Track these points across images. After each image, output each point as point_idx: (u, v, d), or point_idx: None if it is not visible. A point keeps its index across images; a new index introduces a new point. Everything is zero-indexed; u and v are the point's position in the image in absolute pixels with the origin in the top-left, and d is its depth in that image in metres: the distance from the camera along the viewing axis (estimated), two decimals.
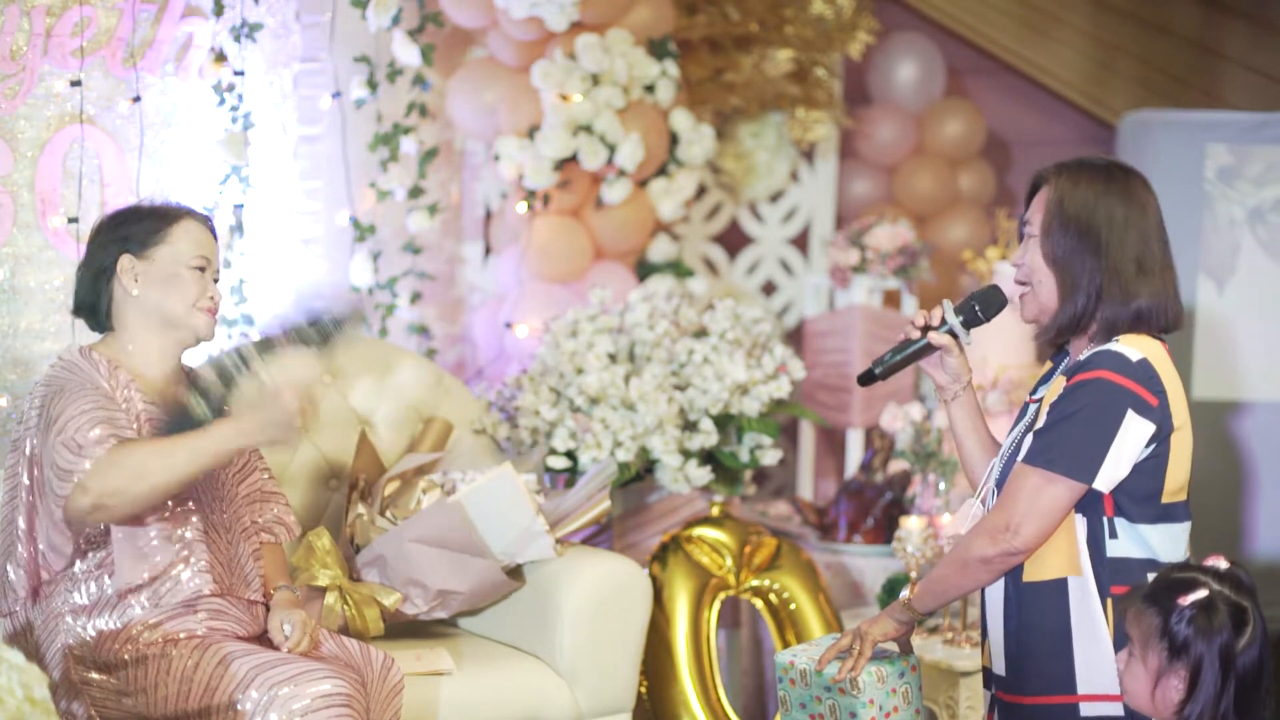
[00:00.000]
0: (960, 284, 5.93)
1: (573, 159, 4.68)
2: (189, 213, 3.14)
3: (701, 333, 4.36)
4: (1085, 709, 2.64)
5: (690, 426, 4.24)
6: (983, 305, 2.84)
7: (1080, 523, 2.63)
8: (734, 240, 5.93)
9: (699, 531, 4.17)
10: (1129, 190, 2.66)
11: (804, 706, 2.85)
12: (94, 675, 3.00)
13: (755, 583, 4.19)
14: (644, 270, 5.12)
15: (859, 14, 5.66)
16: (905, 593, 2.81)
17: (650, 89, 4.79)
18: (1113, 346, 2.62)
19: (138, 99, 3.86)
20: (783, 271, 5.95)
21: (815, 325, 5.58)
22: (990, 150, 6.14)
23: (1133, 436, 2.58)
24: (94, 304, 3.11)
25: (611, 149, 4.67)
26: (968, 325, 2.84)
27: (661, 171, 4.90)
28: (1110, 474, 2.58)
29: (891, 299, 5.51)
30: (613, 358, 4.27)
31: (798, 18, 5.56)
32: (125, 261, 3.06)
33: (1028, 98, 6.25)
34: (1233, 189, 5.32)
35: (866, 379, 2.87)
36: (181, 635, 2.99)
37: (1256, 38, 6.16)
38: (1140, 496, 2.61)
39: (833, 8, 5.63)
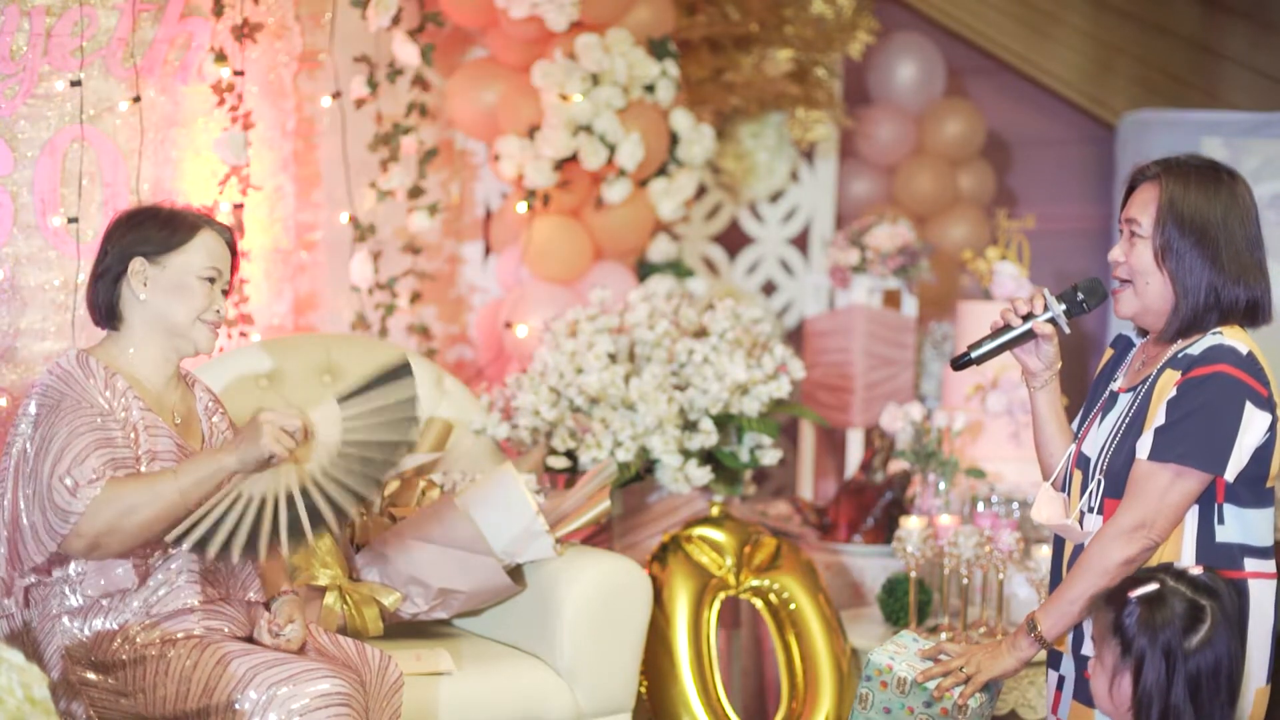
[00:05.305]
0: (960, 284, 5.93)
1: (573, 159, 4.68)
2: (209, 224, 3.13)
3: (701, 333, 4.36)
4: None
5: (690, 426, 4.24)
6: (1087, 295, 2.84)
7: (1192, 511, 2.69)
8: (734, 240, 5.93)
9: (699, 531, 4.17)
10: (1235, 193, 2.72)
11: (888, 711, 2.80)
12: (91, 676, 3.00)
13: (755, 583, 4.18)
14: (644, 270, 5.12)
15: (859, 14, 5.66)
16: (1028, 626, 2.74)
17: (650, 89, 4.79)
18: (1224, 341, 2.68)
19: (138, 99, 3.86)
20: (783, 271, 5.95)
21: (815, 325, 5.58)
22: (990, 150, 6.14)
23: (1254, 427, 2.65)
24: (99, 300, 3.11)
25: (611, 149, 4.67)
26: (1070, 315, 2.84)
27: (661, 171, 4.90)
28: (1236, 464, 2.65)
29: (891, 299, 5.51)
30: (613, 358, 4.26)
31: (798, 18, 5.56)
32: (137, 264, 3.05)
33: (1028, 98, 6.26)
34: None
35: (962, 363, 2.88)
36: (179, 635, 2.99)
37: (1256, 38, 6.16)
38: (1251, 480, 2.68)
39: (833, 8, 5.63)
